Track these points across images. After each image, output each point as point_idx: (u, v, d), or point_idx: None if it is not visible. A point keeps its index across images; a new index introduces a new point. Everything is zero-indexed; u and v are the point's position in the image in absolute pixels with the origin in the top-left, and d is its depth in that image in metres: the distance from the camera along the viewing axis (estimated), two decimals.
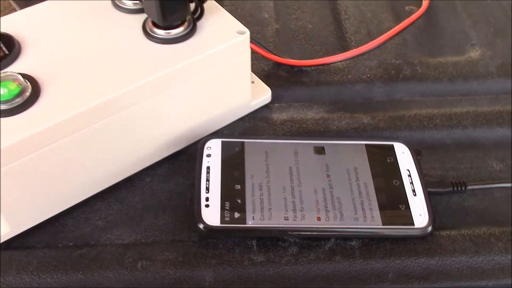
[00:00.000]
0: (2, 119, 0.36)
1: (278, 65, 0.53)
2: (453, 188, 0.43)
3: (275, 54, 0.52)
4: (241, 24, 0.43)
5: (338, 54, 0.52)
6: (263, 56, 0.52)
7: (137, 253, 0.40)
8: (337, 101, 0.50)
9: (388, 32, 0.54)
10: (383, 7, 0.60)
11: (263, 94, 0.49)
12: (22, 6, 0.45)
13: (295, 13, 0.59)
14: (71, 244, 0.40)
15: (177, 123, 0.44)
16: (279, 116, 0.49)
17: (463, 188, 0.43)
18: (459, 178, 0.44)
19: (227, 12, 0.44)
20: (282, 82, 0.51)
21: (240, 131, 0.47)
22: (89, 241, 0.40)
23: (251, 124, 0.48)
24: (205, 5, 0.44)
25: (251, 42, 0.44)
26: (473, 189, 0.44)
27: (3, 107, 0.36)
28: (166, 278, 0.38)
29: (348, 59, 0.53)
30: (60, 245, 0.40)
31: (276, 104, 0.50)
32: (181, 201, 0.43)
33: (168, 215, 0.42)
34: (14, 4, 0.69)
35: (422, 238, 0.40)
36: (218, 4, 0.45)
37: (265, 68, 0.52)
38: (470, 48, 0.56)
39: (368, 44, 0.53)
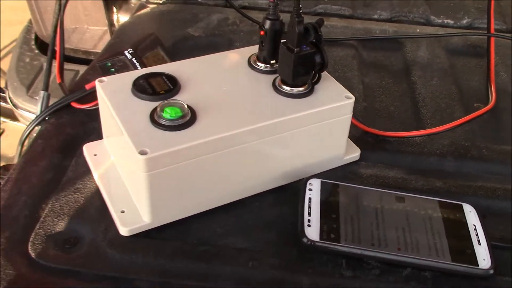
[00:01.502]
0: (168, 132, 0.48)
1: (366, 133, 0.64)
2: None
3: (364, 124, 0.64)
4: (348, 91, 0.55)
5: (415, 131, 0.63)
6: (354, 124, 0.63)
7: (248, 256, 0.49)
8: (414, 167, 0.60)
9: (459, 120, 0.65)
10: (455, 101, 0.71)
11: (353, 152, 0.60)
12: None
13: (379, 96, 0.71)
14: (195, 241, 0.50)
15: (286, 162, 0.55)
16: (365, 171, 0.59)
17: None
18: None
19: (337, 82, 0.56)
20: (369, 146, 0.62)
21: (333, 179, 0.57)
22: (210, 242, 0.50)
23: (342, 174, 0.58)
24: (322, 74, 0.56)
25: None
26: None
27: (169, 123, 0.48)
28: (271, 277, 0.47)
29: (424, 135, 0.64)
30: (187, 241, 0.50)
31: (363, 163, 0.60)
32: (284, 224, 0.52)
33: (273, 232, 0.52)
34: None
35: (485, 278, 0.48)
36: (330, 76, 0.57)
37: (356, 134, 0.63)
38: None
39: (442, 126, 0.63)
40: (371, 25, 0.88)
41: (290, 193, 0.55)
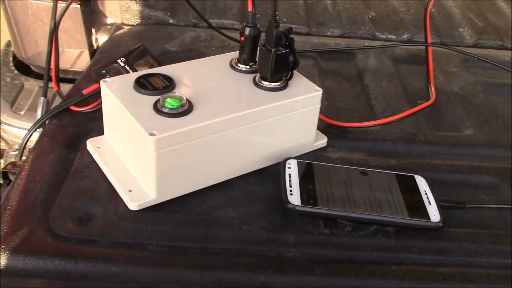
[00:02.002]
0: (170, 119, 0.57)
1: (330, 125, 0.74)
2: (456, 204, 0.62)
3: (329, 118, 0.74)
4: (316, 86, 0.66)
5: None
6: (320, 118, 0.74)
7: (241, 222, 0.58)
8: (374, 151, 0.71)
9: (407, 112, 0.77)
10: (402, 98, 0.83)
11: (322, 139, 0.70)
12: None
13: (339, 97, 0.83)
14: (194, 213, 0.58)
15: (266, 146, 0.65)
16: (332, 155, 0.69)
17: (463, 205, 0.62)
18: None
19: (307, 79, 0.67)
20: (333, 136, 0.72)
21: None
22: (206, 213, 0.59)
23: (313, 157, 0.68)
24: (294, 72, 0.66)
25: None
26: (470, 207, 0.63)
27: (171, 111, 0.57)
28: (262, 237, 0.56)
29: (379, 125, 0.75)
30: (187, 213, 0.58)
31: (330, 148, 0.71)
32: (269, 198, 0.62)
33: (260, 204, 0.61)
34: None
35: (435, 230, 0.59)
36: (300, 74, 0.68)
37: (322, 126, 0.73)
38: (465, 129, 0.78)
39: (393, 117, 0.75)
40: (326, 40, 1.00)
41: (271, 174, 0.65)
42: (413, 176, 0.65)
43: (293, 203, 0.58)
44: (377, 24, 1.07)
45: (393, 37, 1.05)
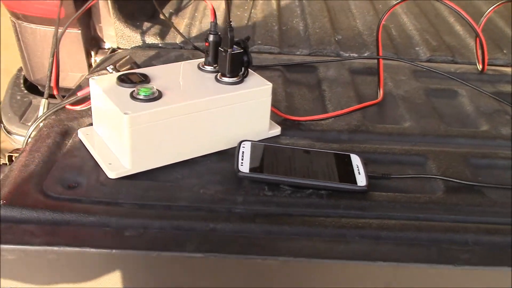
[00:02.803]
0: (143, 103, 0.70)
1: (285, 120, 0.87)
2: (383, 175, 0.74)
3: (283, 113, 0.87)
4: (268, 81, 0.79)
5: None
6: (276, 114, 0.87)
7: (200, 187, 0.70)
8: (320, 139, 0.84)
9: (352, 107, 0.90)
10: (353, 100, 0.96)
11: (275, 129, 0.83)
12: None
13: (298, 100, 0.96)
14: (162, 181, 0.71)
15: (225, 131, 0.78)
16: (284, 141, 0.82)
17: (388, 176, 0.74)
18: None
19: (260, 76, 0.81)
20: (287, 127, 0.85)
21: None
22: (172, 181, 0.71)
23: (265, 142, 0.81)
24: (249, 70, 0.80)
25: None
26: (395, 177, 0.75)
27: (143, 98, 0.71)
28: (216, 198, 0.69)
29: (328, 118, 0.88)
30: (157, 181, 0.71)
31: (283, 137, 0.84)
32: (226, 172, 0.74)
33: (218, 176, 0.73)
34: None
35: (361, 192, 0.71)
36: (255, 72, 0.81)
37: (278, 120, 0.86)
38: (404, 122, 0.90)
39: (340, 111, 0.88)
40: (294, 57, 1.15)
41: (229, 155, 0.78)
42: (349, 154, 0.78)
43: (242, 171, 0.71)
44: (342, 45, 1.22)
45: (355, 55, 1.19)
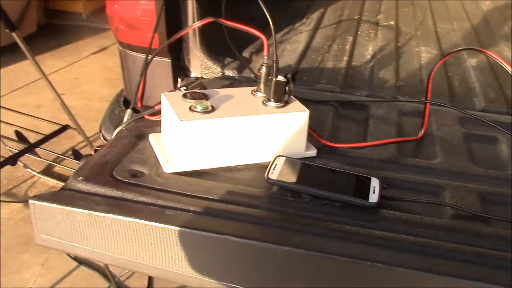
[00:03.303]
0: (197, 114, 0.87)
1: (324, 145, 1.00)
2: (395, 197, 0.84)
3: (322, 139, 1.00)
4: (306, 108, 0.93)
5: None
6: (316, 139, 1.00)
7: (234, 186, 0.85)
8: (351, 163, 0.95)
9: (389, 140, 1.00)
10: (392, 136, 1.06)
11: (311, 151, 0.96)
12: None
13: (344, 131, 1.08)
14: (204, 179, 0.86)
15: (266, 146, 0.92)
16: (317, 162, 0.95)
17: (400, 198, 0.84)
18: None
19: (300, 103, 0.95)
20: (324, 152, 0.98)
21: None
22: (214, 181, 0.86)
23: (299, 160, 0.94)
24: (291, 97, 0.94)
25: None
26: (407, 201, 0.84)
27: (198, 111, 0.87)
28: (244, 195, 0.83)
29: (363, 147, 0.99)
30: (200, 179, 0.87)
31: (317, 158, 0.96)
32: (259, 179, 0.88)
33: (252, 180, 0.87)
34: None
35: (371, 208, 0.81)
36: (296, 99, 0.95)
37: (318, 145, 0.99)
38: (434, 158, 0.99)
39: (377, 142, 0.99)
40: (352, 97, 1.27)
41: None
42: (370, 177, 0.88)
43: (271, 178, 0.84)
44: (401, 90, 1.32)
45: (409, 98, 1.28)
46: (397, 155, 0.99)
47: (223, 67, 1.36)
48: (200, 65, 1.36)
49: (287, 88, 0.92)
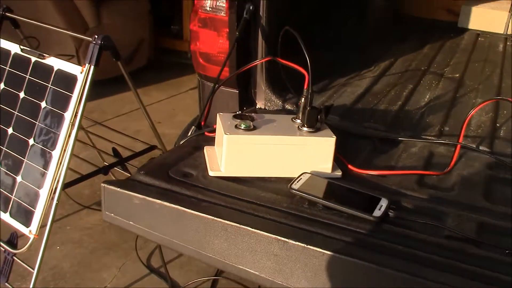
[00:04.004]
0: (239, 130, 1.06)
1: (351, 170, 1.14)
2: (397, 216, 0.97)
3: (349, 164, 1.15)
4: (333, 135, 1.09)
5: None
6: (345, 164, 1.14)
7: (264, 194, 1.02)
8: (370, 187, 1.09)
9: (412, 171, 1.13)
10: (417, 168, 1.18)
11: (337, 172, 1.11)
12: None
13: (374, 159, 1.22)
14: (240, 184, 1.05)
15: (297, 163, 1.08)
16: (342, 183, 1.09)
17: (403, 218, 0.96)
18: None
19: (329, 129, 1.11)
20: (350, 175, 1.12)
21: None
22: (247, 186, 1.04)
23: (322, 177, 1.09)
24: (323, 124, 1.11)
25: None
26: (408, 220, 0.96)
27: (242, 128, 1.07)
28: (269, 200, 0.99)
29: (386, 175, 1.12)
30: (236, 184, 1.05)
31: (342, 180, 1.11)
32: (286, 189, 1.04)
33: (279, 190, 1.04)
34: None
35: (374, 221, 0.94)
36: (326, 125, 1.12)
37: (344, 169, 1.14)
38: (450, 191, 1.09)
39: (399, 171, 1.12)
40: (392, 135, 1.40)
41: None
42: (380, 197, 1.01)
43: (293, 188, 1.01)
44: (443, 133, 1.43)
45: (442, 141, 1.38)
46: (415, 185, 1.11)
47: (284, 101, 1.55)
48: (264, 97, 1.56)
49: (319, 117, 1.09)
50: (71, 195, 2.33)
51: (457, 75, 1.96)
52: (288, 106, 1.53)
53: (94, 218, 2.33)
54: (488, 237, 0.94)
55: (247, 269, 0.92)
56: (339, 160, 1.14)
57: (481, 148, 1.32)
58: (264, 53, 1.48)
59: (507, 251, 0.87)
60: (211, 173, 1.07)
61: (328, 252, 0.84)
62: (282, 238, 0.88)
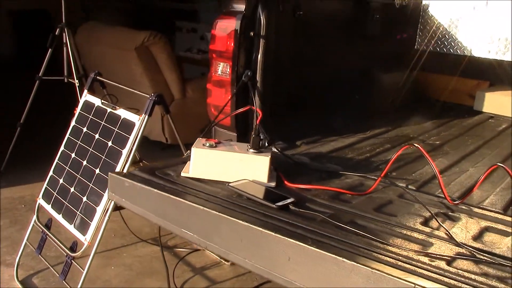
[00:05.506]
0: (204, 147, 1.56)
1: (286, 184, 1.58)
2: (289, 204, 1.39)
3: (285, 179, 1.58)
4: (268, 155, 1.55)
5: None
6: (281, 177, 1.58)
7: (216, 189, 1.49)
8: (296, 196, 1.51)
9: (333, 188, 1.54)
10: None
11: (272, 183, 1.55)
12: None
13: (312, 181, 1.64)
14: (202, 183, 1.53)
15: (240, 174, 1.54)
16: (267, 188, 1.53)
17: (297, 210, 1.38)
18: None
19: (270, 153, 1.56)
20: (284, 187, 1.56)
21: None
22: (207, 184, 1.52)
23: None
24: (265, 148, 1.57)
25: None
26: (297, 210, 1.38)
27: (207, 146, 1.56)
28: (218, 194, 1.46)
29: (311, 189, 1.54)
30: (200, 182, 1.53)
31: (275, 189, 1.54)
32: (227, 187, 1.50)
33: (224, 188, 1.50)
34: None
35: (275, 209, 1.37)
36: (270, 150, 1.58)
37: (281, 184, 1.57)
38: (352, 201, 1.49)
39: (322, 186, 1.54)
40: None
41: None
42: (289, 196, 1.43)
43: (229, 185, 1.47)
44: (387, 176, 1.80)
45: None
46: (328, 197, 1.51)
47: (271, 144, 2.02)
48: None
49: (260, 142, 1.56)
50: (133, 230, 2.80)
51: (438, 142, 2.28)
52: (274, 149, 2.00)
53: (147, 250, 2.74)
54: (352, 226, 1.32)
55: (186, 231, 1.38)
56: (279, 176, 1.58)
57: (397, 182, 1.68)
58: (260, 106, 1.97)
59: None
60: (182, 174, 1.57)
61: (238, 221, 1.27)
62: (209, 210, 1.33)
